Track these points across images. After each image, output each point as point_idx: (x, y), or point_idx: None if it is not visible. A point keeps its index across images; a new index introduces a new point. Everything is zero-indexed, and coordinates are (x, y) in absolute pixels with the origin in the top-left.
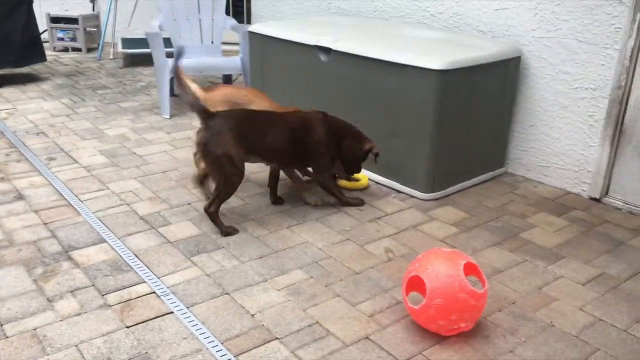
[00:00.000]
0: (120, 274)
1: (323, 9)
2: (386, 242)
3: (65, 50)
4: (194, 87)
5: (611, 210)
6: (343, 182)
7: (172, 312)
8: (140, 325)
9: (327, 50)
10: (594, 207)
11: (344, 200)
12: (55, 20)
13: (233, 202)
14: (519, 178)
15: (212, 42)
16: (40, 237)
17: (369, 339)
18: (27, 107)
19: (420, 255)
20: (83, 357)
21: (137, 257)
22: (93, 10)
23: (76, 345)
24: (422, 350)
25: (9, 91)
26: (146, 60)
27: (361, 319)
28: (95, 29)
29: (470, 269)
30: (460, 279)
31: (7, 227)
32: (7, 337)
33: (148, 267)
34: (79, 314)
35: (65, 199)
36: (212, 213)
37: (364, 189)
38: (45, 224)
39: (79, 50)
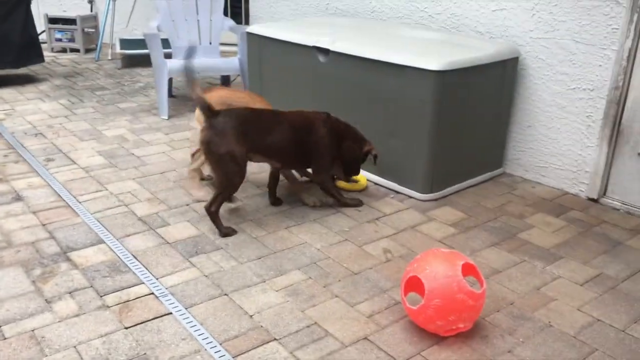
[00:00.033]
0: (118, 275)
1: (321, 10)
2: (384, 242)
3: (64, 51)
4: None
5: (609, 210)
6: (341, 183)
7: (171, 313)
8: (138, 326)
9: (325, 51)
10: (592, 208)
11: (342, 201)
12: (53, 20)
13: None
14: (517, 178)
15: (210, 43)
16: (39, 238)
17: (368, 339)
18: (25, 108)
19: (419, 255)
20: (81, 358)
21: (136, 258)
22: (91, 11)
23: (74, 347)
24: (421, 350)
25: (6, 92)
26: (144, 61)
27: (360, 319)
28: (93, 30)
29: (468, 270)
30: (458, 279)
31: (6, 228)
32: (5, 339)
33: (146, 268)
34: (77, 315)
35: (64, 200)
36: (213, 213)
37: (363, 190)
38: (44, 225)
39: (77, 51)
